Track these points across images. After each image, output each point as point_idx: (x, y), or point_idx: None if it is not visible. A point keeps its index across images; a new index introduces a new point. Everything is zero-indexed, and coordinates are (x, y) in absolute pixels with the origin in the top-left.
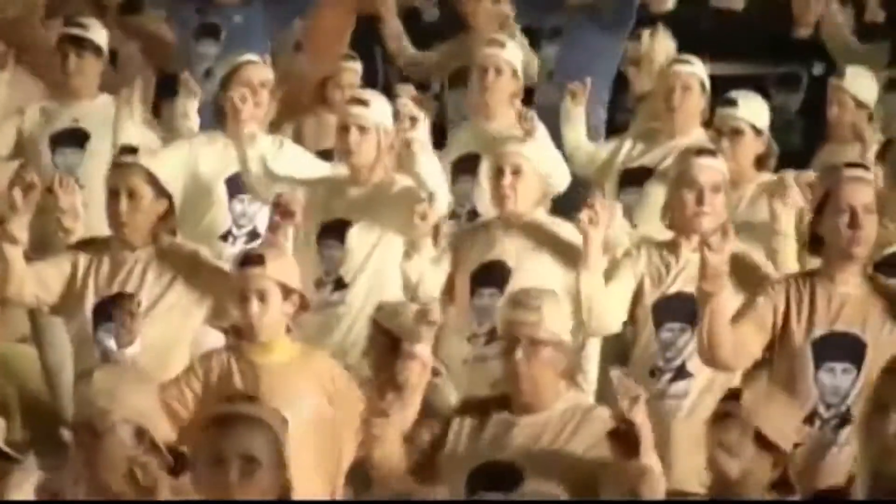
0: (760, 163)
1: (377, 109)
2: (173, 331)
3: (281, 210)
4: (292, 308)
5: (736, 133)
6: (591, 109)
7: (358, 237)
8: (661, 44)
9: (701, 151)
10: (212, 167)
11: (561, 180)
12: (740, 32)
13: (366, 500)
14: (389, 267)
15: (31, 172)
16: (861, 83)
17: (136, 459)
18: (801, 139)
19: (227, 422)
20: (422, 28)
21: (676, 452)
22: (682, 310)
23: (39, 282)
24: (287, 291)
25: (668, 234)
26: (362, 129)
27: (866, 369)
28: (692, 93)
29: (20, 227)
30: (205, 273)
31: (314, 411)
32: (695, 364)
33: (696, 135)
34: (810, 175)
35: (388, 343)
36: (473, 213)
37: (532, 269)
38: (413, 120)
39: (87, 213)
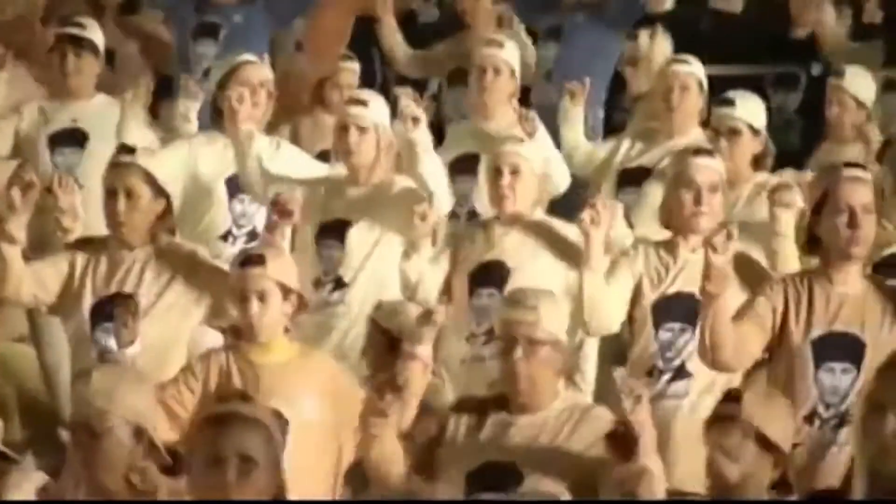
0: (758, 163)
1: (376, 110)
2: (171, 331)
3: (279, 210)
4: (291, 308)
5: (733, 133)
6: (589, 109)
7: (358, 237)
8: (661, 44)
9: (698, 151)
10: (211, 167)
11: (561, 181)
12: (738, 32)
13: (366, 500)
14: (389, 267)
15: (30, 172)
16: (860, 83)
17: (134, 465)
18: (799, 139)
19: (223, 421)
20: (420, 29)
21: (676, 452)
22: (681, 310)
23: (37, 281)
24: (286, 291)
25: (665, 234)
26: (361, 130)
27: (866, 369)
28: (690, 93)
29: (19, 227)
30: (203, 273)
31: (314, 411)
32: (694, 364)
33: (695, 135)
34: (808, 176)
35: (386, 342)
36: (473, 213)
37: (531, 270)
38: (416, 120)
39: (86, 213)
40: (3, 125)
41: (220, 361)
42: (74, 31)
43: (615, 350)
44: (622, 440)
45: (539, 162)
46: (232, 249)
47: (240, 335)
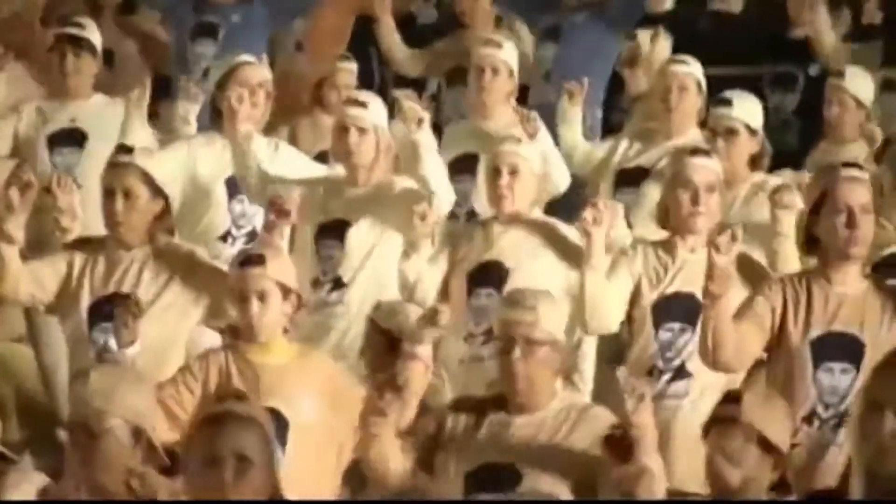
0: (755, 163)
1: (374, 111)
2: (169, 331)
3: (276, 210)
4: (291, 308)
5: (731, 133)
6: (587, 109)
7: (357, 237)
8: (662, 46)
9: (695, 151)
10: (211, 168)
11: (561, 180)
12: (737, 33)
13: (366, 500)
14: (388, 267)
15: (28, 172)
16: (860, 83)
17: (134, 470)
18: (797, 139)
19: (219, 421)
20: (419, 30)
21: (676, 452)
22: (681, 310)
23: (35, 281)
24: (286, 291)
25: (662, 234)
26: (361, 130)
27: (865, 369)
28: (689, 93)
29: (17, 227)
30: (201, 273)
31: (313, 411)
32: (694, 364)
33: (693, 135)
34: (806, 176)
35: (385, 342)
36: (471, 213)
37: (530, 269)
38: (420, 122)
39: (85, 213)
40: (3, 125)
41: (220, 361)
42: (73, 31)
43: (613, 350)
44: (619, 443)
45: (538, 162)
46: (231, 250)
47: (238, 335)
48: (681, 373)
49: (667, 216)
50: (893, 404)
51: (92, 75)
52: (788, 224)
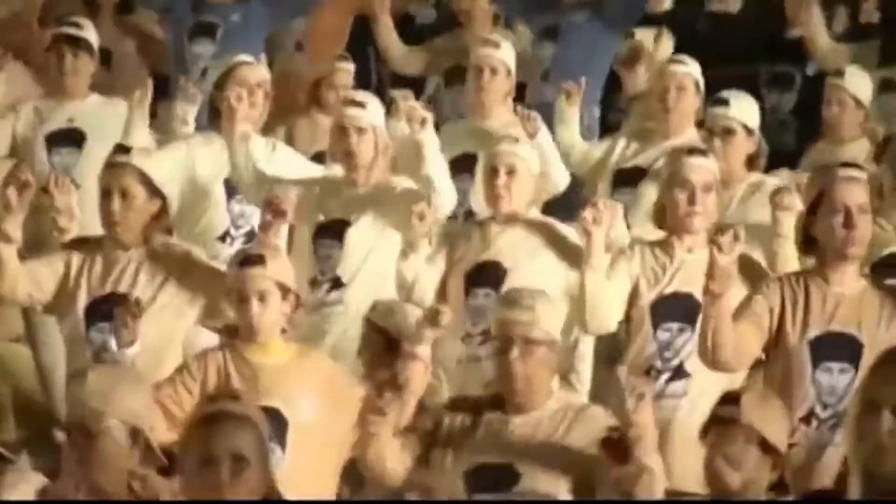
0: (751, 163)
1: (372, 110)
2: (166, 331)
3: (272, 210)
4: (289, 308)
5: (728, 133)
6: (585, 109)
7: (357, 237)
8: (666, 46)
9: (692, 151)
10: (209, 169)
11: (561, 180)
12: (734, 33)
13: (365, 500)
14: (388, 267)
15: (26, 171)
16: (859, 83)
17: (135, 472)
18: (794, 139)
19: (215, 421)
20: (418, 30)
21: (674, 452)
22: (679, 310)
23: (33, 280)
24: (285, 291)
25: (659, 234)
26: (359, 131)
27: (863, 369)
28: (687, 93)
29: (14, 226)
30: (197, 273)
31: (312, 412)
32: (692, 364)
33: (691, 135)
34: (804, 176)
35: (382, 342)
36: (469, 213)
37: (528, 269)
38: (423, 122)
39: (83, 213)
40: (1, 125)
41: (218, 361)
42: (71, 31)
43: (610, 350)
44: (617, 446)
45: (535, 162)
46: (230, 250)
47: (236, 335)
48: (679, 373)
49: (664, 216)
50: (891, 403)
51: (89, 75)
52: (788, 225)
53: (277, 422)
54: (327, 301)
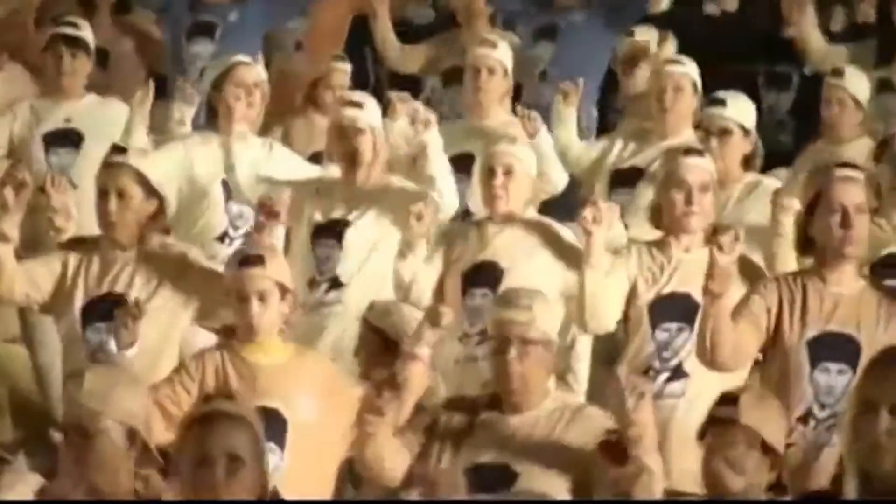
0: (747, 163)
1: (370, 111)
2: (161, 333)
3: (266, 211)
4: (287, 308)
5: (724, 133)
6: (583, 109)
7: (356, 237)
8: (669, 50)
9: (689, 151)
10: (207, 169)
11: (560, 180)
12: (732, 32)
13: (366, 500)
14: (387, 267)
15: (23, 171)
16: (858, 83)
17: (137, 473)
18: (791, 139)
19: (210, 421)
20: (416, 30)
21: (672, 452)
22: (678, 310)
23: (30, 280)
24: (283, 291)
25: (655, 234)
26: (358, 131)
27: (861, 370)
28: (684, 93)
29: (11, 226)
30: (191, 275)
31: (311, 412)
32: (691, 364)
33: (688, 136)
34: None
35: (379, 342)
36: (467, 213)
37: (525, 270)
38: (427, 123)
39: (81, 213)
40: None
41: (216, 361)
42: (68, 30)
43: (608, 350)
44: (615, 449)
45: (532, 162)
46: (228, 251)
47: (233, 335)
48: (677, 373)
49: (660, 216)
50: (889, 403)
51: (85, 75)
52: (788, 226)
53: (276, 422)
54: (326, 301)
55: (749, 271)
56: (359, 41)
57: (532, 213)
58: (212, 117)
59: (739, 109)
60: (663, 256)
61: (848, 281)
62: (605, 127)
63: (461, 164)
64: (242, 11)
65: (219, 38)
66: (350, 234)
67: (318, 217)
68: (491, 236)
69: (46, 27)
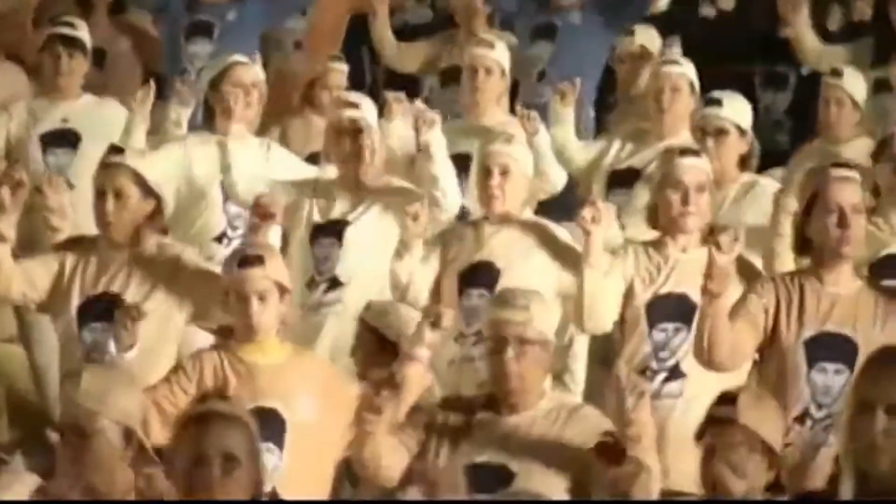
0: (743, 163)
1: (366, 111)
2: (157, 333)
3: (260, 212)
4: (286, 308)
5: (721, 133)
6: (581, 109)
7: (356, 237)
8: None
9: (685, 151)
10: (206, 170)
11: (558, 179)
12: (729, 32)
13: (366, 500)
14: (387, 266)
15: (20, 170)
16: (856, 83)
17: (140, 472)
18: (788, 139)
19: (205, 420)
20: (413, 30)
21: (670, 453)
22: (675, 310)
23: (27, 279)
24: (282, 291)
25: (652, 235)
26: (356, 132)
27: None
28: (681, 94)
29: (8, 225)
30: (185, 277)
31: (310, 412)
32: (688, 364)
33: (685, 136)
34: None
35: (375, 341)
36: (463, 213)
37: (521, 270)
38: (431, 123)
39: (78, 214)
40: None
41: (214, 361)
42: (66, 31)
43: (605, 350)
44: (612, 451)
45: (529, 162)
46: (226, 251)
47: (231, 335)
48: (675, 373)
49: (657, 216)
50: (885, 403)
51: (82, 75)
52: (787, 224)
53: (275, 422)
54: (325, 301)
55: (746, 271)
56: (356, 41)
57: (528, 214)
58: (209, 117)
59: (736, 109)
60: (660, 257)
61: (845, 281)
62: (602, 127)
63: (458, 163)
64: (241, 11)
65: (217, 37)
66: (350, 234)
67: (317, 217)
68: (487, 236)
69: (44, 27)
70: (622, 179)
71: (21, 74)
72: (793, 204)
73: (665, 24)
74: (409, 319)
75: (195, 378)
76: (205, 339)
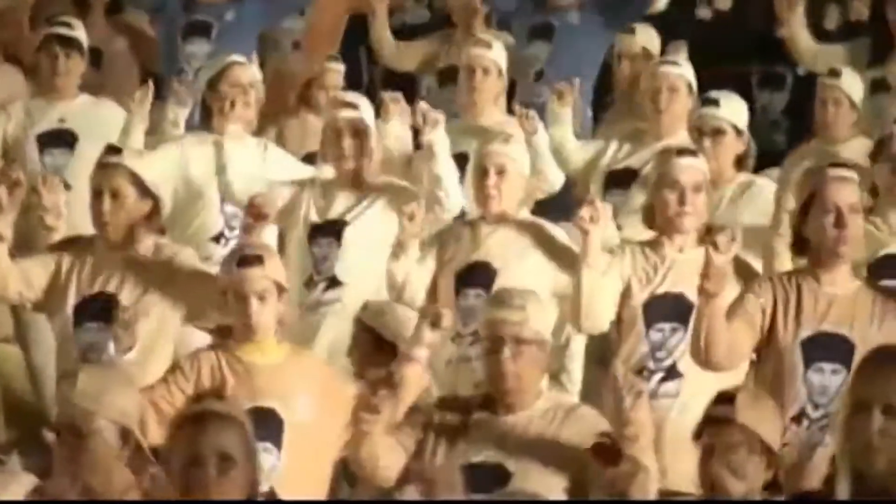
0: (740, 163)
1: (363, 111)
2: (153, 334)
3: (254, 212)
4: (283, 307)
5: (717, 133)
6: (579, 109)
7: (354, 236)
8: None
9: (682, 151)
10: (203, 169)
11: (557, 179)
12: (726, 33)
13: (366, 500)
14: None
15: (17, 170)
16: (854, 83)
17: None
18: (785, 139)
19: (201, 420)
20: (411, 30)
21: (667, 453)
22: (672, 310)
23: (24, 278)
24: (281, 290)
25: (649, 235)
26: (353, 132)
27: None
28: (679, 94)
29: (5, 225)
30: (180, 279)
31: (308, 411)
32: (685, 364)
33: (683, 137)
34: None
35: (372, 341)
36: (462, 213)
37: (518, 270)
38: (435, 122)
39: (74, 213)
40: None
41: (212, 361)
42: (63, 31)
43: (601, 350)
44: (609, 451)
45: (525, 162)
46: (223, 251)
47: (228, 335)
48: (672, 373)
49: (653, 216)
50: (882, 403)
51: (79, 75)
52: (786, 224)
53: (273, 422)
54: (324, 300)
55: (743, 271)
56: (353, 41)
57: (525, 214)
58: (207, 117)
59: (732, 109)
60: (657, 257)
61: (842, 281)
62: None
63: (456, 163)
64: (239, 11)
65: (215, 37)
66: (348, 234)
67: (314, 217)
68: (484, 236)
69: (40, 27)
70: (619, 179)
71: (18, 74)
72: (793, 203)
73: (662, 25)
74: (405, 319)
75: (193, 378)
76: (202, 338)
